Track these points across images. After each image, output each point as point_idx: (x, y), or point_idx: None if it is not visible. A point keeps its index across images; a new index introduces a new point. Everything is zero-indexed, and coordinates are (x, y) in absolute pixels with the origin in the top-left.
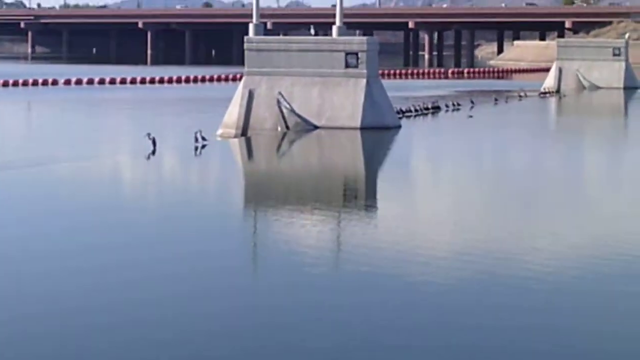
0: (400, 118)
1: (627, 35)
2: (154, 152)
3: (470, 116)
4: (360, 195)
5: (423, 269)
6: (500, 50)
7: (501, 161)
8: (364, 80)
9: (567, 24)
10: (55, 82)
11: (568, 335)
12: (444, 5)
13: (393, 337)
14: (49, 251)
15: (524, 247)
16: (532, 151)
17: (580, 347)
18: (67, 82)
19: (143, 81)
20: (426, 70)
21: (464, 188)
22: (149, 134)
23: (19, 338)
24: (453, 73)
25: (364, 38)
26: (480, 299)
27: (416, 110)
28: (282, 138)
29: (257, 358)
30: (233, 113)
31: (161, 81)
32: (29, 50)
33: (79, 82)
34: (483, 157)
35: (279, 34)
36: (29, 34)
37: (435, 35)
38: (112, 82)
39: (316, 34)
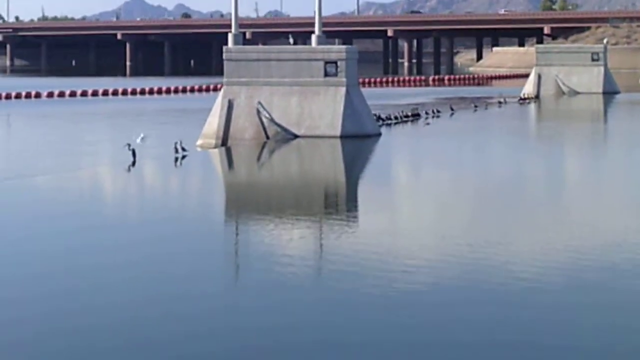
0: (380, 126)
1: (605, 40)
2: (134, 163)
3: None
4: (340, 203)
5: (403, 277)
6: (479, 57)
7: (481, 167)
8: (344, 89)
9: (546, 30)
10: (38, 95)
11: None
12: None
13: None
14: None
15: (504, 251)
16: (514, 158)
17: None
18: (50, 94)
19: (124, 92)
20: (406, 78)
21: (444, 194)
22: (128, 145)
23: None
24: (434, 80)
25: (343, 47)
26: (457, 308)
27: (396, 118)
28: (262, 148)
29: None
30: (213, 123)
31: (141, 92)
32: (8, 63)
33: (61, 94)
34: (463, 163)
35: (258, 44)
36: (7, 47)
37: (415, 42)
38: (94, 94)
39: (295, 43)
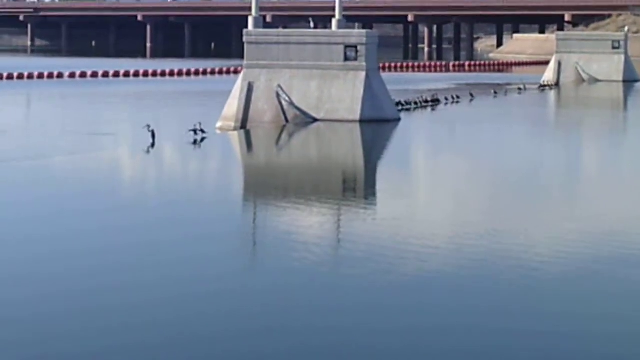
0: (399, 111)
1: (626, 29)
2: (153, 145)
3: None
4: (359, 187)
5: (420, 263)
6: (499, 43)
7: (501, 154)
8: (364, 73)
9: (567, 17)
10: (60, 75)
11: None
12: None
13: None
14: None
15: (524, 240)
16: (533, 144)
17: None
18: (72, 75)
19: (144, 74)
20: (426, 63)
21: (463, 180)
22: (148, 126)
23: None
24: (454, 66)
25: (363, 31)
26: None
27: (415, 103)
28: (281, 131)
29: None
30: (232, 106)
31: (161, 74)
32: (29, 43)
33: (82, 75)
34: (482, 149)
35: (278, 27)
36: (29, 27)
37: (435, 28)
38: (115, 75)
39: (315, 27)
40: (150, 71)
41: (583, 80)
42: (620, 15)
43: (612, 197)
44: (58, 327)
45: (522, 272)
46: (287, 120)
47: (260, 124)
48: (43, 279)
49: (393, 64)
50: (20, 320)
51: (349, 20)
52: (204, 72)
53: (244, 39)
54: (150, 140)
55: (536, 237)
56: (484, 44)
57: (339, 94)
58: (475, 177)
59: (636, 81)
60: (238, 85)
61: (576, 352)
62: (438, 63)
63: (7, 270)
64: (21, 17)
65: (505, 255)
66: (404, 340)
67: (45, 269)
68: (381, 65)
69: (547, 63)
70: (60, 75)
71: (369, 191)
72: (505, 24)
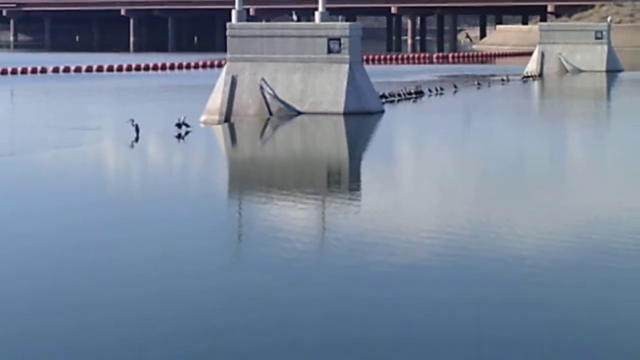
0: (383, 103)
1: (609, 19)
2: (137, 139)
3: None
4: (343, 180)
5: (406, 255)
6: (483, 34)
7: (485, 145)
8: (347, 66)
9: (550, 8)
10: (44, 70)
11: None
12: None
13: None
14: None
15: (508, 230)
16: (517, 135)
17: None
18: (55, 70)
19: (128, 68)
20: (410, 55)
21: (447, 172)
22: (132, 120)
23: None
24: (438, 58)
25: (347, 24)
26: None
27: (399, 95)
28: (265, 124)
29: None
30: (216, 99)
31: (145, 68)
32: (11, 38)
33: (66, 70)
34: (465, 140)
35: (261, 20)
36: (11, 22)
37: (418, 20)
38: (99, 69)
39: (299, 20)
40: (133, 65)
41: (566, 71)
42: (603, 5)
43: (597, 187)
44: (43, 324)
45: (510, 263)
46: (271, 114)
47: (244, 117)
48: (27, 275)
49: (376, 56)
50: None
51: (332, 12)
52: (188, 66)
53: (227, 32)
54: (134, 134)
55: (522, 228)
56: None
57: (323, 86)
58: (459, 169)
59: (619, 71)
60: (222, 79)
61: (570, 343)
62: (421, 55)
63: None
64: (4, 12)
65: (492, 246)
66: (391, 332)
67: (31, 264)
68: (365, 57)
69: (530, 54)
70: (44, 71)
71: (354, 184)
72: (488, 15)
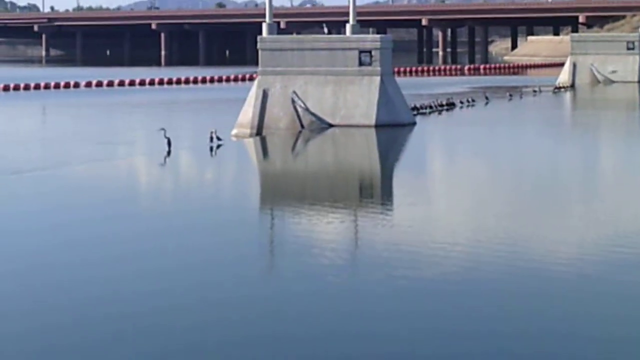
0: (415, 115)
1: None
2: (169, 153)
3: (162, 128)
4: (375, 192)
5: (437, 269)
6: (514, 46)
7: (517, 157)
8: (378, 78)
9: (581, 19)
10: (77, 85)
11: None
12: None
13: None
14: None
15: (539, 244)
16: (549, 147)
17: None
18: (88, 84)
19: (160, 82)
20: (441, 67)
21: (479, 184)
22: (163, 130)
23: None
24: (469, 69)
25: (378, 36)
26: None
27: (430, 107)
28: (297, 137)
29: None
30: (247, 112)
31: (177, 82)
32: (43, 53)
33: (99, 84)
34: (497, 153)
35: (292, 33)
36: (43, 37)
37: (449, 32)
38: (131, 84)
39: (329, 33)
40: (165, 79)
41: (598, 82)
42: (634, 15)
43: (631, 200)
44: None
45: (541, 278)
46: (302, 127)
47: (276, 131)
48: (69, 286)
49: (408, 68)
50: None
51: (362, 25)
52: (219, 80)
53: (258, 45)
54: (167, 148)
55: (555, 243)
56: (499, 46)
57: (354, 99)
58: (491, 181)
59: None
60: (253, 92)
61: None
62: (453, 67)
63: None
64: (35, 28)
65: (523, 261)
66: (422, 346)
67: (77, 274)
68: (396, 69)
69: (561, 65)
70: (76, 85)
71: (385, 197)
72: (519, 26)
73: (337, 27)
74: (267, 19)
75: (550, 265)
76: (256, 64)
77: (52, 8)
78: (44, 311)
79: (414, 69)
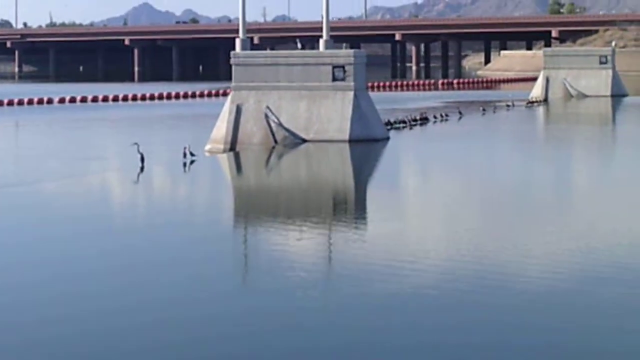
0: (388, 130)
1: (613, 43)
2: (142, 169)
3: (135, 143)
4: (349, 207)
5: (410, 284)
6: (487, 60)
7: (490, 172)
8: (352, 93)
9: (554, 33)
10: (50, 101)
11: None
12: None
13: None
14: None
15: (513, 256)
16: (522, 162)
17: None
18: (61, 100)
19: (133, 98)
20: (415, 82)
21: (452, 199)
22: (137, 145)
23: None
24: (443, 84)
25: (351, 51)
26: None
27: (404, 122)
28: (271, 152)
29: None
30: (221, 128)
31: (150, 98)
32: (16, 69)
33: (72, 100)
34: (471, 167)
35: (265, 49)
36: (16, 53)
37: (422, 46)
38: (104, 99)
39: (303, 48)
40: (138, 95)
41: (571, 96)
42: (607, 30)
43: (599, 214)
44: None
45: (513, 291)
46: (276, 142)
47: (250, 146)
48: (40, 303)
49: (381, 83)
50: None
51: (336, 40)
52: (193, 95)
53: (232, 61)
54: (140, 164)
55: (527, 257)
56: (472, 61)
57: (328, 114)
58: (464, 196)
59: (624, 96)
60: (226, 108)
61: None
62: (426, 81)
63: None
64: (8, 44)
65: (496, 274)
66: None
67: (44, 292)
68: (369, 84)
69: (535, 79)
70: (50, 101)
71: (360, 211)
72: (493, 40)
73: (311, 42)
74: (240, 35)
75: (522, 278)
76: (230, 79)
77: (25, 24)
78: None
79: (387, 83)
